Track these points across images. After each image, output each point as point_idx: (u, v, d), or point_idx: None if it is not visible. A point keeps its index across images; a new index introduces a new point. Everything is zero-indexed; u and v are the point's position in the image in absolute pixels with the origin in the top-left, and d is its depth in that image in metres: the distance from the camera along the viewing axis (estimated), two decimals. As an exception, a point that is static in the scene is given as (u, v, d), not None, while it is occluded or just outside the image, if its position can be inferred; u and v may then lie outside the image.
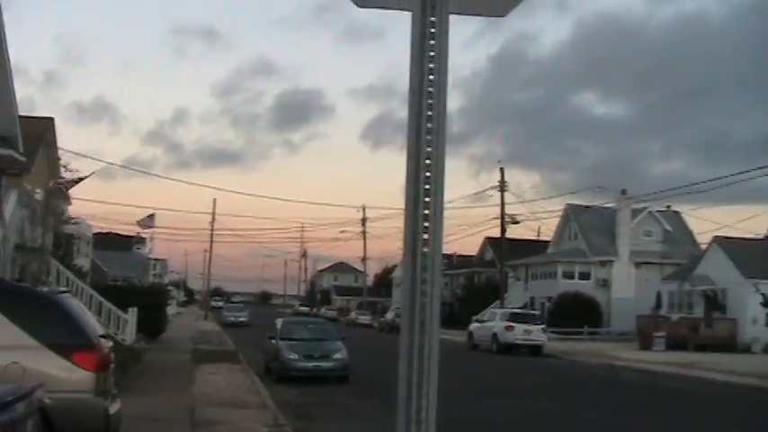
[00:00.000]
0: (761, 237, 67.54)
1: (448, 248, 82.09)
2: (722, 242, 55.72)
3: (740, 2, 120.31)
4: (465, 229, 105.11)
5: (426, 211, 3.12)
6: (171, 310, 61.75)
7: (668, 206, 70.38)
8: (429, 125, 3.15)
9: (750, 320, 47.30)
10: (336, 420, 17.87)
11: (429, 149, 3.14)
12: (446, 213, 3.13)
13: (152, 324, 35.67)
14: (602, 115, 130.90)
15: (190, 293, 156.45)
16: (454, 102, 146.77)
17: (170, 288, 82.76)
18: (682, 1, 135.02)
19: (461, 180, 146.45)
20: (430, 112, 3.15)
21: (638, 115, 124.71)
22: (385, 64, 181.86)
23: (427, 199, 3.12)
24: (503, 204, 62.63)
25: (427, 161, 3.13)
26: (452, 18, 3.30)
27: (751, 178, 39.29)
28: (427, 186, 3.13)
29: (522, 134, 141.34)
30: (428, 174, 3.13)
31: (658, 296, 58.23)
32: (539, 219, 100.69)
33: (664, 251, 69.51)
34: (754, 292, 33.35)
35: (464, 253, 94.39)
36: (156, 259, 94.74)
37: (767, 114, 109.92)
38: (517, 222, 64.43)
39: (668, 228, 71.47)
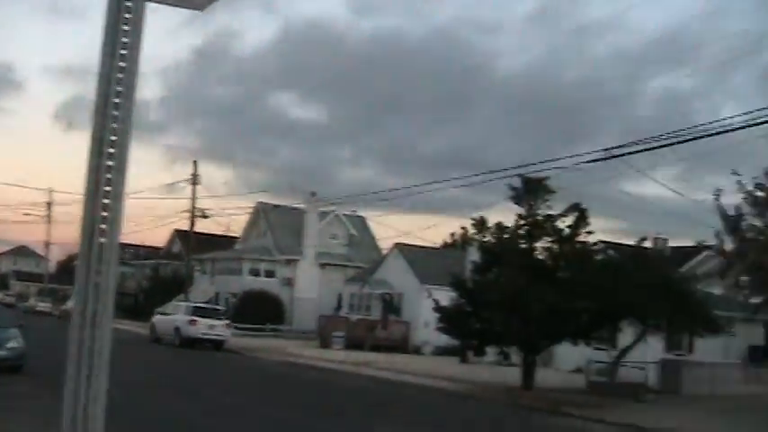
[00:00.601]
0: (438, 245, 71.84)
1: (136, 239, 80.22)
2: (402, 248, 58.62)
3: (436, 26, 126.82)
4: (155, 219, 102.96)
5: (106, 201, 3.02)
6: None
7: (354, 211, 72.70)
8: (115, 113, 3.05)
9: (422, 324, 49.99)
10: (7, 411, 16.92)
11: (114, 138, 3.04)
12: (137, 203, 3.06)
13: None
14: (299, 118, 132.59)
15: None
16: (152, 91, 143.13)
17: None
18: (381, 18, 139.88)
19: (155, 170, 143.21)
20: (117, 100, 3.06)
21: (332, 121, 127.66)
22: (84, 44, 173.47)
23: (108, 188, 3.02)
24: (193, 197, 62.13)
25: (111, 149, 3.03)
26: (153, 6, 3.22)
27: (430, 191, 41.59)
28: (109, 176, 3.03)
29: (220, 129, 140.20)
30: (110, 163, 3.03)
31: (339, 297, 60.09)
32: (229, 215, 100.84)
33: (348, 254, 71.79)
34: (427, 297, 35.34)
35: (152, 244, 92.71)
36: None
37: (449, 132, 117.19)
38: (207, 217, 63.98)
39: (354, 232, 73.95)
